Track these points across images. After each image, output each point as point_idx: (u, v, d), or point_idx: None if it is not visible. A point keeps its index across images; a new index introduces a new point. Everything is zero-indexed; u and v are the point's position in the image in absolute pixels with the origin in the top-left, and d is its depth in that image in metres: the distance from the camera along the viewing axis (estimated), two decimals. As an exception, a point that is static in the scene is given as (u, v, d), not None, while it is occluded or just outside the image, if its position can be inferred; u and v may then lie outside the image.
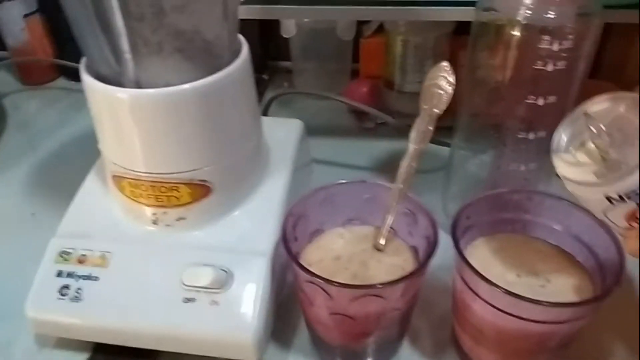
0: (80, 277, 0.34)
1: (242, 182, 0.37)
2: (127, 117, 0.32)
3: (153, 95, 0.31)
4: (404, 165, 0.34)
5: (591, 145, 0.28)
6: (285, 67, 0.68)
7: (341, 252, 0.35)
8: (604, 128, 0.27)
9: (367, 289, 0.29)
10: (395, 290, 0.30)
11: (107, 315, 0.33)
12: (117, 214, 0.37)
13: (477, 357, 0.34)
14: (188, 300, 0.33)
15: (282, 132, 0.43)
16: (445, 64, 0.34)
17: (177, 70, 0.31)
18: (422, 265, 0.30)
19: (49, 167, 0.54)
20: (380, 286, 0.29)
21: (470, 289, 0.31)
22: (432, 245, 0.31)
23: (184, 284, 0.33)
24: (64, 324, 0.34)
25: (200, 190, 0.35)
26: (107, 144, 0.35)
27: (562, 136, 0.29)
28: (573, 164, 0.28)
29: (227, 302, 0.33)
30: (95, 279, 0.34)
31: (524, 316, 0.29)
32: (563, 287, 0.32)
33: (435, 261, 0.41)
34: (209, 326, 0.32)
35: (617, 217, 0.27)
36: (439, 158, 0.49)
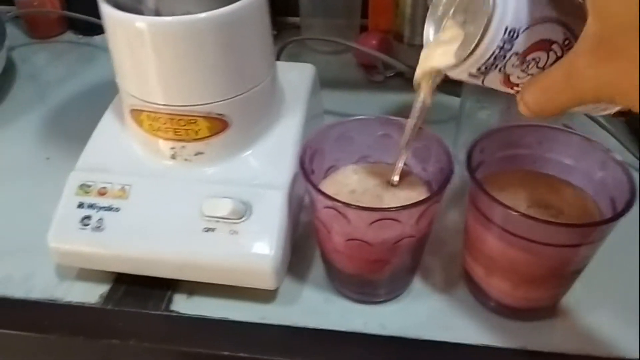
0: (101, 208, 0.35)
1: (258, 119, 0.37)
2: (145, 47, 0.32)
3: (171, 23, 0.31)
4: (419, 100, 0.35)
5: (449, 28, 0.28)
6: (293, 22, 0.68)
7: (356, 187, 0.35)
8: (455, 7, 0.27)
9: (384, 212, 0.30)
10: (412, 214, 0.30)
11: (128, 244, 0.34)
12: (136, 149, 0.38)
13: (488, 287, 0.35)
14: (208, 229, 0.34)
15: (295, 75, 0.44)
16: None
17: (196, 0, 0.32)
18: (439, 189, 0.31)
19: (61, 116, 0.54)
20: (397, 209, 0.30)
21: (484, 215, 0.31)
22: (447, 173, 0.32)
23: (204, 215, 0.34)
24: (86, 253, 0.35)
25: (217, 124, 0.35)
26: (125, 76, 0.35)
27: (428, 29, 0.29)
28: (438, 51, 0.28)
29: (247, 231, 0.34)
30: (116, 210, 0.35)
31: (538, 239, 0.30)
32: (572, 218, 0.33)
33: (446, 203, 0.42)
34: (230, 254, 0.33)
35: (497, 85, 0.27)
36: (450, 109, 0.50)
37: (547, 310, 0.35)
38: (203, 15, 0.31)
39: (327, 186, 0.36)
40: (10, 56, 0.61)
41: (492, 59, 0.25)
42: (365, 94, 0.57)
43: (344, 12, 0.62)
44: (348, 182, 0.36)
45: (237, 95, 0.35)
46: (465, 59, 0.26)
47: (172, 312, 0.36)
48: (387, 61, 0.53)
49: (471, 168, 0.32)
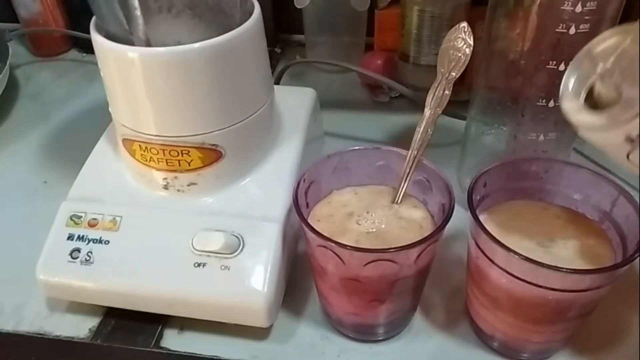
0: (91, 240, 0.34)
1: (253, 148, 0.36)
2: (137, 77, 0.31)
3: (162, 54, 0.30)
4: (420, 130, 0.33)
5: (600, 87, 0.25)
6: (297, 40, 0.67)
7: (354, 208, 0.34)
8: (608, 67, 0.25)
9: (379, 253, 0.28)
10: (409, 255, 0.29)
11: (117, 279, 0.33)
12: (128, 179, 0.37)
13: (491, 327, 0.33)
14: (199, 264, 0.33)
15: (295, 100, 0.42)
16: (463, 24, 0.33)
17: (187, 29, 0.31)
18: (437, 229, 0.29)
19: (61, 137, 0.53)
20: (394, 250, 0.28)
21: (486, 256, 0.30)
22: (448, 211, 0.30)
23: (195, 249, 0.33)
24: (75, 286, 0.34)
25: (211, 154, 0.34)
26: (117, 106, 0.34)
27: (570, 80, 0.27)
28: (585, 109, 0.26)
29: (239, 267, 0.33)
30: (106, 242, 0.34)
31: (542, 284, 0.28)
32: (583, 254, 0.31)
33: (449, 233, 0.40)
34: (220, 290, 0.32)
35: None
36: (455, 132, 0.48)
37: (552, 352, 0.34)
38: (196, 45, 0.30)
39: (322, 207, 0.34)
40: (13, 74, 0.61)
41: None
42: (370, 114, 0.56)
43: (349, 30, 0.61)
44: (346, 203, 0.34)
45: (231, 125, 0.34)
46: (631, 119, 0.24)
47: (162, 349, 0.34)
48: (389, 84, 0.51)
49: (472, 206, 0.30)
